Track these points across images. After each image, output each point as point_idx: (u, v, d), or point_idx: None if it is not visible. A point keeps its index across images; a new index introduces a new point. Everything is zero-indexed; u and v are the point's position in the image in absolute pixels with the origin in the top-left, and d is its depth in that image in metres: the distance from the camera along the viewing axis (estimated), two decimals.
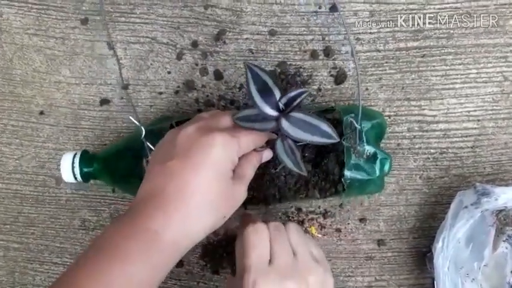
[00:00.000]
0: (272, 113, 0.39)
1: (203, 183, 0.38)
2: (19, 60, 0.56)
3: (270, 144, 0.44)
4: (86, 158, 0.49)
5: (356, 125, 0.43)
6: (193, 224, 0.38)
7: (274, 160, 0.47)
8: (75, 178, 0.49)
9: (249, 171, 0.43)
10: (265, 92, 0.39)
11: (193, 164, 0.38)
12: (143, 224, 0.36)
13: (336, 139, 0.39)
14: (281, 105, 0.39)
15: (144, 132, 0.44)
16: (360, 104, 0.41)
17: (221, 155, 0.38)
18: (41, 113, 0.56)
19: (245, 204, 0.49)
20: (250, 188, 0.48)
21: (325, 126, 0.39)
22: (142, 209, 0.37)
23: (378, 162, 0.47)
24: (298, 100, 0.39)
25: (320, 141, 0.39)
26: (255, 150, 0.43)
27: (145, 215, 0.37)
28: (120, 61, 0.55)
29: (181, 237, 0.37)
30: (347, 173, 0.46)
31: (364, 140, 0.46)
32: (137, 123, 0.44)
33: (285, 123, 0.39)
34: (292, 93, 0.39)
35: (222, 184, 0.39)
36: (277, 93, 0.39)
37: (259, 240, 0.42)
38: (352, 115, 0.46)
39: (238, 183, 0.41)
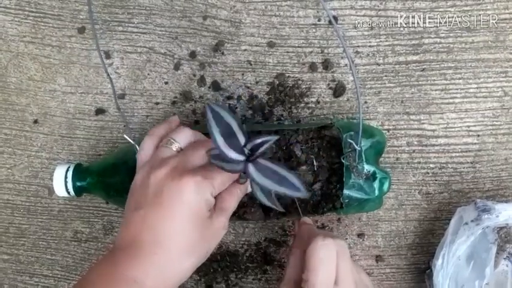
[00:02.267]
0: (238, 157, 0.37)
1: (178, 231, 0.37)
2: (14, 68, 0.55)
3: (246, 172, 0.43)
4: (79, 172, 0.48)
5: (356, 147, 0.43)
6: (173, 270, 0.37)
7: None
8: (68, 192, 0.47)
9: (232, 204, 0.42)
10: (229, 136, 0.37)
11: (166, 212, 0.37)
12: (123, 273, 0.36)
13: (303, 193, 0.37)
14: (247, 151, 0.37)
15: (138, 150, 0.43)
16: (361, 124, 0.40)
17: (194, 199, 0.38)
18: (35, 121, 0.56)
19: (242, 219, 0.48)
20: (248, 203, 0.48)
21: (293, 178, 0.37)
22: (121, 257, 0.37)
23: (377, 181, 0.46)
24: (264, 147, 0.37)
25: (286, 193, 0.37)
26: (237, 181, 0.42)
27: (124, 264, 0.36)
28: (117, 70, 0.55)
29: (162, 284, 0.37)
30: (346, 192, 0.45)
31: (364, 159, 0.45)
32: (131, 141, 0.43)
33: (251, 170, 0.37)
34: (258, 141, 0.37)
35: (198, 227, 0.38)
36: (242, 139, 0.37)
37: (328, 257, 0.39)
38: (351, 133, 0.45)
39: (217, 218, 0.40)
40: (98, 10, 0.54)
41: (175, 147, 0.42)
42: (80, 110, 0.55)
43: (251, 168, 0.37)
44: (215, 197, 0.40)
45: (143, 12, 0.54)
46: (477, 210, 0.48)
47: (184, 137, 0.42)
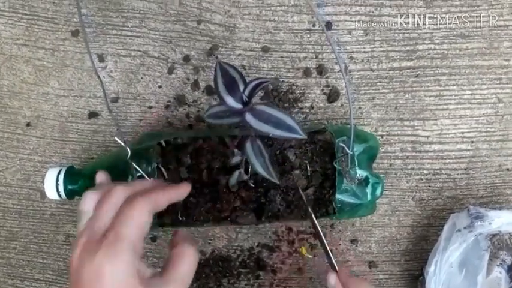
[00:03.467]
0: (236, 105, 0.38)
1: None
2: (7, 70, 0.55)
3: (240, 147, 0.44)
4: (71, 175, 0.48)
5: (348, 151, 0.43)
6: None
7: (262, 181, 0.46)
8: (59, 195, 0.47)
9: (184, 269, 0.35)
10: (231, 86, 0.39)
11: None
12: None
13: (301, 135, 0.37)
14: (245, 97, 0.38)
15: (130, 153, 0.43)
16: (352, 128, 0.40)
17: (117, 278, 0.32)
18: (28, 124, 0.55)
19: (235, 223, 0.48)
20: (240, 207, 0.47)
21: (290, 120, 0.37)
22: None
23: (369, 186, 0.46)
24: (259, 88, 0.38)
25: (284, 135, 0.37)
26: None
27: None
28: (111, 74, 0.54)
29: None
30: (338, 197, 0.45)
31: (356, 164, 0.45)
32: (123, 144, 0.43)
33: (248, 116, 0.38)
34: (255, 82, 0.38)
35: None
36: (242, 86, 0.39)
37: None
38: (344, 138, 0.45)
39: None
40: (92, 13, 0.54)
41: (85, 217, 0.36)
42: (73, 113, 0.55)
43: (248, 116, 0.38)
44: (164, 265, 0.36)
45: (137, 16, 0.54)
46: (470, 217, 0.48)
47: (89, 201, 0.37)
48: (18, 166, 0.56)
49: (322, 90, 0.54)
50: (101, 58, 0.54)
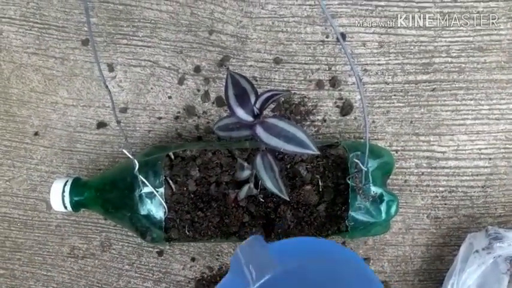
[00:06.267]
0: (246, 117, 0.37)
1: None
2: (16, 79, 0.54)
3: (250, 161, 0.42)
4: (78, 187, 0.47)
5: (362, 167, 0.41)
6: None
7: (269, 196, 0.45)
8: (65, 207, 0.46)
9: None
10: (242, 98, 0.37)
11: None
12: None
13: (314, 150, 0.35)
14: (256, 110, 0.37)
15: (137, 166, 0.41)
16: (367, 144, 0.39)
17: None
18: (36, 134, 0.55)
19: (244, 239, 0.47)
20: (249, 222, 0.46)
21: (302, 135, 0.36)
22: None
23: (384, 204, 0.44)
24: (271, 101, 0.37)
25: (295, 151, 0.36)
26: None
27: None
28: (120, 84, 0.54)
29: None
30: (351, 215, 0.44)
31: (370, 181, 0.44)
32: (131, 156, 0.42)
33: (259, 129, 0.37)
34: (267, 94, 0.37)
35: None
36: (253, 98, 0.38)
37: None
38: (358, 153, 0.44)
39: None
40: (103, 22, 0.53)
41: None
42: (81, 123, 0.54)
43: (259, 129, 0.37)
44: None
45: (148, 26, 0.53)
46: (488, 237, 0.46)
47: None
48: (25, 176, 0.55)
49: (335, 102, 0.53)
50: (111, 68, 0.53)
